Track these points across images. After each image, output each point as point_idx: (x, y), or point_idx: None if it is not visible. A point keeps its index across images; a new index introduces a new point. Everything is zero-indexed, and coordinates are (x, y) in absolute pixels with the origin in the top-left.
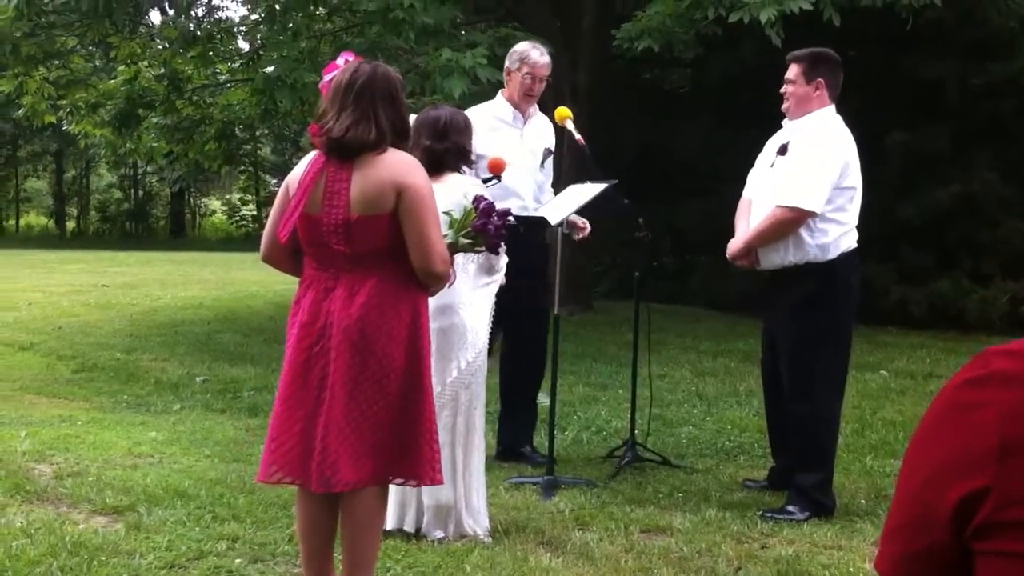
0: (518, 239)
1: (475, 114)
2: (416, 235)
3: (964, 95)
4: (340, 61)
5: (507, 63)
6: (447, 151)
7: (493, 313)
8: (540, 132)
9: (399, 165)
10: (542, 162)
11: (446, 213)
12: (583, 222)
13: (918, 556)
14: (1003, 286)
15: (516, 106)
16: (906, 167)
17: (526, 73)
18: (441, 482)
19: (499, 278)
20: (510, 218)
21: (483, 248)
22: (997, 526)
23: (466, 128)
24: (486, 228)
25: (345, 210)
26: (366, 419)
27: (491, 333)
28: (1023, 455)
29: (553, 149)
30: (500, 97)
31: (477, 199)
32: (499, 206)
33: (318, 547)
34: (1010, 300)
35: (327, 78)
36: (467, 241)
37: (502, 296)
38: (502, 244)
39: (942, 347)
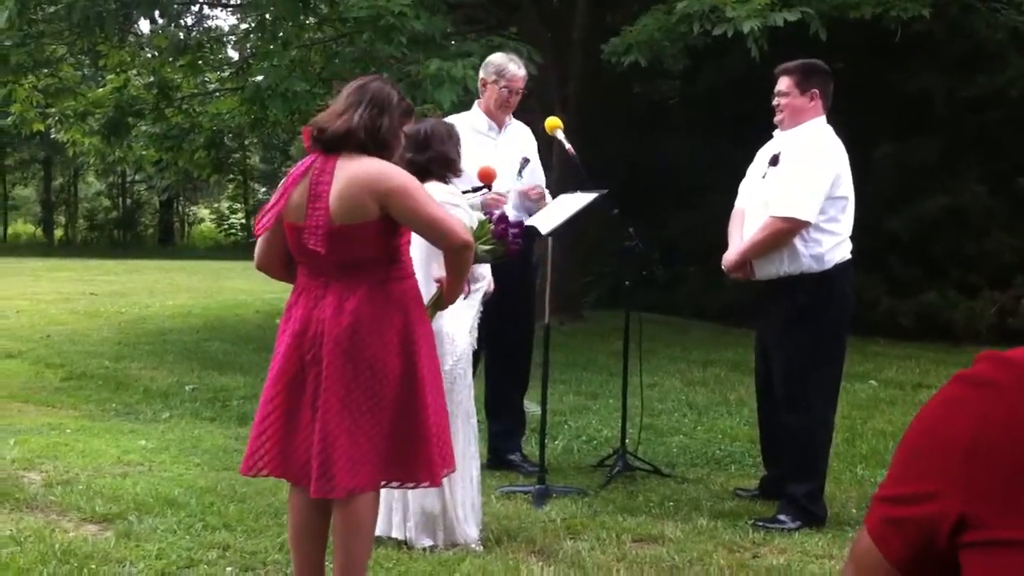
0: None
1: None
2: (423, 223)
3: (952, 107)
4: None
5: (482, 74)
6: (430, 160)
7: (479, 321)
8: (516, 141)
9: (372, 173)
10: (519, 171)
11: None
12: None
13: (901, 523)
14: (990, 297)
15: (492, 116)
16: (894, 179)
17: (504, 87)
18: (439, 484)
19: (483, 286)
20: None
21: (503, 256)
22: (969, 528)
23: (450, 138)
24: (506, 234)
25: (326, 218)
26: (359, 426)
27: (476, 344)
28: (984, 456)
29: (530, 158)
30: (476, 108)
31: (489, 212)
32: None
33: (310, 553)
34: (997, 311)
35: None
36: (486, 249)
37: (487, 305)
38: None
39: (931, 358)
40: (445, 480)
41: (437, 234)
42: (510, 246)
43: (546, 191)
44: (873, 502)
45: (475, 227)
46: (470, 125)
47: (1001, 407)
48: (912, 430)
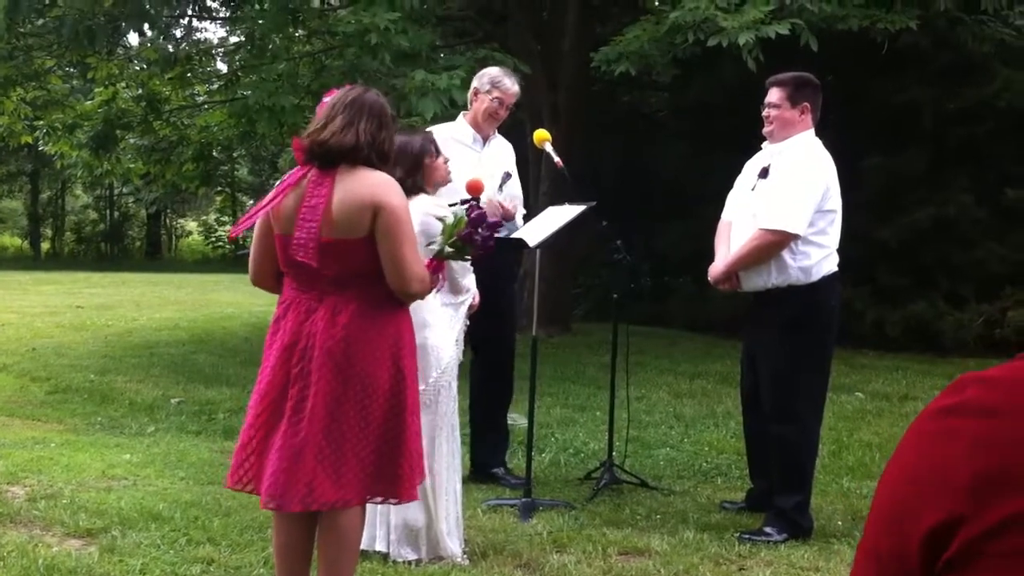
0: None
1: (433, 134)
2: (390, 256)
3: (940, 119)
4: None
5: (476, 83)
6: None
7: (463, 333)
8: (499, 155)
9: (377, 185)
10: (500, 185)
11: (440, 219)
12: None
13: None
14: (978, 308)
15: (478, 128)
16: (882, 190)
17: (496, 97)
18: (416, 498)
19: (468, 298)
20: (501, 230)
21: (469, 257)
22: (969, 557)
23: (420, 153)
24: (472, 239)
25: (319, 230)
26: (347, 440)
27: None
28: (994, 487)
29: (512, 173)
30: (461, 119)
31: (471, 208)
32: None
33: (294, 568)
34: (984, 322)
35: (326, 100)
36: (451, 250)
37: (470, 318)
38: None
39: (918, 369)
40: (429, 493)
41: (396, 272)
42: (476, 249)
43: (521, 209)
44: (858, 552)
45: (452, 223)
46: (454, 136)
47: (1001, 432)
48: (892, 476)
